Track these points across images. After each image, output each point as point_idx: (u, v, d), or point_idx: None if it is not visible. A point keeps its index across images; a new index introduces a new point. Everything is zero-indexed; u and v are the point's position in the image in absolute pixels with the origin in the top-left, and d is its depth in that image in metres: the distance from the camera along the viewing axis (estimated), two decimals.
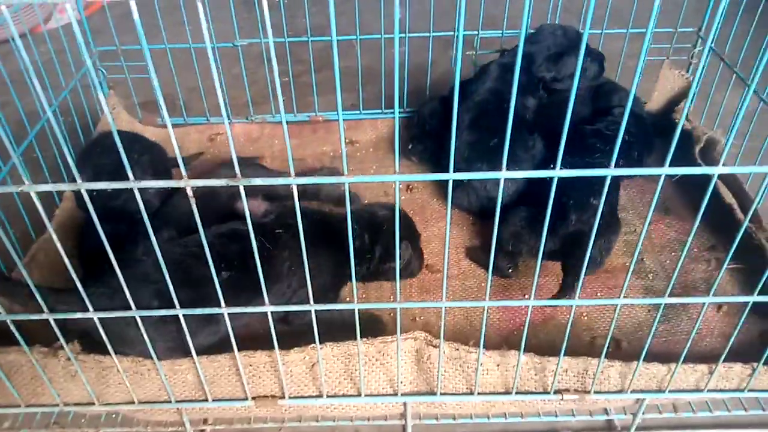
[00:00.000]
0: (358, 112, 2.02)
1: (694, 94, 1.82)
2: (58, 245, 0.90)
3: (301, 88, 2.20)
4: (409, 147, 1.85)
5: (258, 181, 0.86)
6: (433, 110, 1.86)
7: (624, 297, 1.02)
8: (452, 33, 1.88)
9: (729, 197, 1.55)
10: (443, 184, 1.76)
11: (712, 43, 0.80)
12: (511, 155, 0.84)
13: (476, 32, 1.89)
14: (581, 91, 1.80)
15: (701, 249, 1.56)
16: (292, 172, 0.85)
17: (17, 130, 1.53)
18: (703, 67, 0.79)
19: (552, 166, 0.85)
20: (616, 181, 1.54)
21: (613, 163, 0.84)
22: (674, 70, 1.87)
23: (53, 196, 1.63)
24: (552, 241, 1.38)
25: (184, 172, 0.85)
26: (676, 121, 1.77)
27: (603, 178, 1.01)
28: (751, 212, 1.00)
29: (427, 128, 1.85)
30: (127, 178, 0.85)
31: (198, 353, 1.08)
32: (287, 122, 2.01)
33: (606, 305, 1.42)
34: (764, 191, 1.09)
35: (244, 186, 0.84)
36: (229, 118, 2.01)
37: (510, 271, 1.47)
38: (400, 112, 2.00)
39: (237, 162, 0.84)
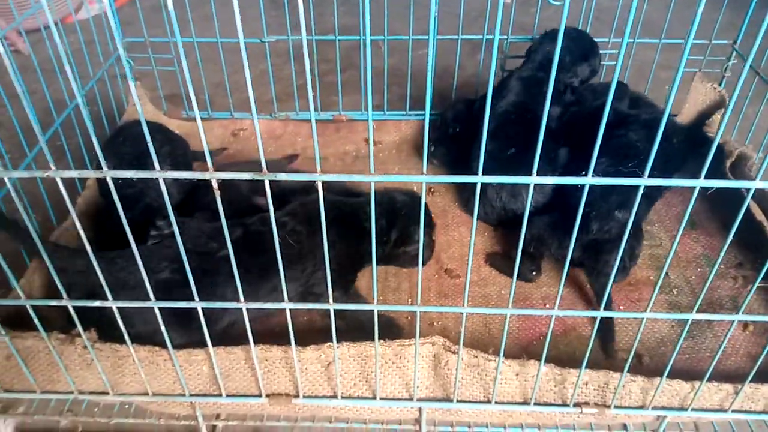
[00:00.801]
0: (382, 112, 2.01)
1: (729, 108, 1.78)
2: (81, 231, 0.89)
3: (325, 87, 2.20)
4: (431, 150, 1.84)
5: (282, 176, 0.85)
6: (457, 114, 1.85)
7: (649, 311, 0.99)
8: (481, 36, 1.86)
9: (760, 214, 1.51)
10: (463, 189, 1.74)
11: (750, 61, 0.77)
12: (531, 166, 0.83)
13: (506, 37, 1.87)
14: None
15: (728, 266, 1.52)
16: (319, 169, 0.84)
17: (43, 117, 1.54)
18: (741, 83, 0.77)
19: (584, 173, 0.83)
20: (650, 195, 1.51)
21: (647, 173, 0.82)
22: (706, 83, 1.83)
23: (76, 185, 1.63)
24: (574, 249, 1.37)
25: (210, 164, 0.84)
26: (708, 134, 1.74)
27: (628, 189, 0.99)
28: None
29: (450, 132, 1.84)
30: (148, 168, 0.85)
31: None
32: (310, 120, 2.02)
33: (627, 318, 1.39)
34: None
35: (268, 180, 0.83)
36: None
37: (533, 274, 1.45)
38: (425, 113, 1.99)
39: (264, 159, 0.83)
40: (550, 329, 1.02)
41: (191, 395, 1.17)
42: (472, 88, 1.99)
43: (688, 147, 1.74)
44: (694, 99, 1.85)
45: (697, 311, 1.40)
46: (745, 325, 1.37)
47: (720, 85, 1.81)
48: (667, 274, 1.51)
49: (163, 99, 1.98)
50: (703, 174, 0.83)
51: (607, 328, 1.35)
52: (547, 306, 1.44)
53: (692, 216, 1.66)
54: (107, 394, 1.17)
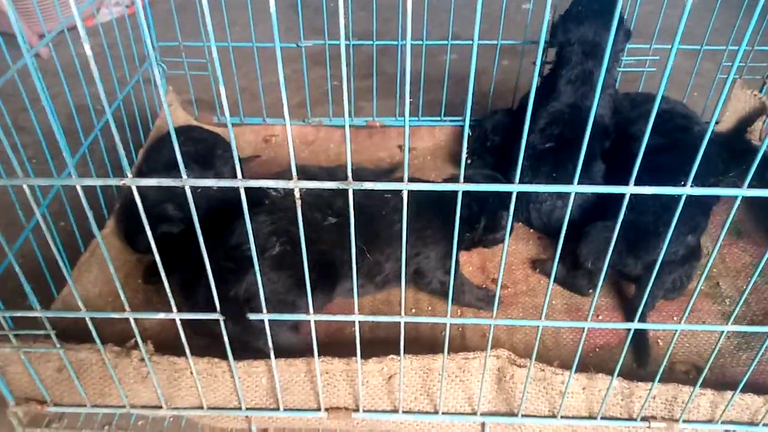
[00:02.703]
0: (417, 118, 1.98)
1: None
2: (103, 246, 0.86)
3: (356, 93, 2.17)
4: (468, 162, 1.81)
5: (311, 185, 0.82)
6: (496, 125, 1.82)
7: (701, 323, 0.98)
8: (521, 42, 1.83)
9: None
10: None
11: None
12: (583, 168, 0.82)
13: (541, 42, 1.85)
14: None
15: None
16: (350, 177, 0.81)
17: (66, 123, 1.48)
18: None
19: (626, 182, 0.82)
20: (708, 210, 1.49)
21: (689, 183, 0.80)
22: (746, 89, 1.82)
23: (113, 192, 1.60)
24: (635, 266, 1.35)
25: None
26: (751, 141, 1.73)
27: (698, 217, 0.94)
28: None
29: (488, 144, 1.81)
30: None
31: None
32: (343, 126, 2.00)
33: (683, 331, 1.37)
34: None
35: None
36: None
37: (590, 291, 1.43)
38: (460, 120, 1.97)
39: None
40: (628, 342, 1.00)
41: (247, 408, 1.14)
42: (507, 94, 1.97)
43: (731, 155, 1.72)
44: (735, 106, 1.83)
45: (753, 322, 1.39)
46: None
47: (761, 91, 1.80)
48: (717, 283, 1.48)
49: (194, 103, 1.95)
50: (746, 184, 0.82)
51: (642, 340, 1.33)
52: (600, 318, 1.41)
53: (738, 225, 1.64)
54: (160, 408, 1.14)
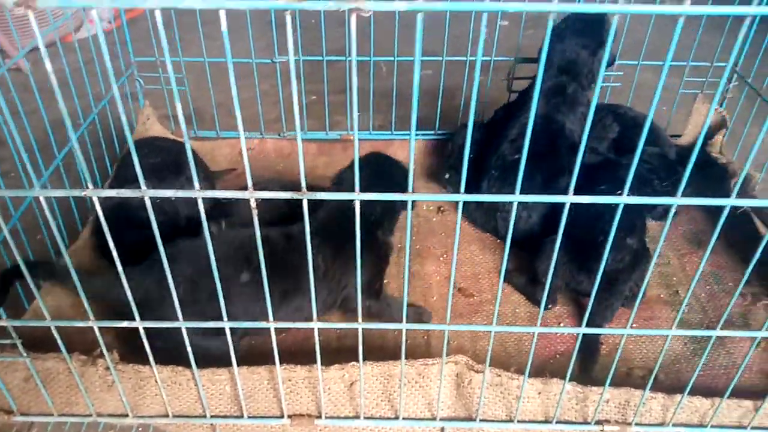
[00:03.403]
0: (390, 132, 2.02)
1: (727, 129, 1.83)
2: (67, 257, 0.89)
3: (330, 107, 2.21)
4: (446, 177, 1.84)
5: (266, 195, 0.85)
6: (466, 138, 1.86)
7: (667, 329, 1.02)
8: (489, 59, 1.89)
9: (764, 230, 1.54)
10: (471, 207, 1.75)
11: (751, 80, 0.81)
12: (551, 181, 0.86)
13: (513, 58, 1.91)
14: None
15: (737, 283, 1.54)
16: (304, 188, 0.85)
17: (43, 138, 1.51)
18: (759, 104, 0.80)
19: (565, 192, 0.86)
20: (644, 217, 1.53)
21: (626, 192, 0.84)
22: (707, 104, 1.88)
23: (86, 203, 1.63)
24: (587, 279, 1.39)
25: (197, 184, 0.84)
26: (711, 154, 1.79)
27: (638, 219, 0.97)
28: None
29: (470, 157, 1.84)
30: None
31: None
32: (319, 140, 2.04)
33: (641, 337, 1.41)
34: None
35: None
36: (261, 134, 2.02)
37: (549, 307, 1.47)
38: (432, 134, 2.01)
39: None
40: (582, 346, 1.03)
41: (212, 416, 1.16)
42: (476, 108, 2.02)
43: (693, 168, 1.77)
44: (696, 121, 1.89)
45: (708, 328, 1.43)
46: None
47: (722, 106, 1.86)
48: (677, 291, 1.53)
49: (171, 118, 1.99)
50: (679, 192, 0.86)
51: (592, 347, 1.36)
52: (562, 325, 1.45)
53: (699, 235, 1.69)
54: (126, 416, 1.15)
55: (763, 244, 0.96)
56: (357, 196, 0.86)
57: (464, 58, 1.91)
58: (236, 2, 0.68)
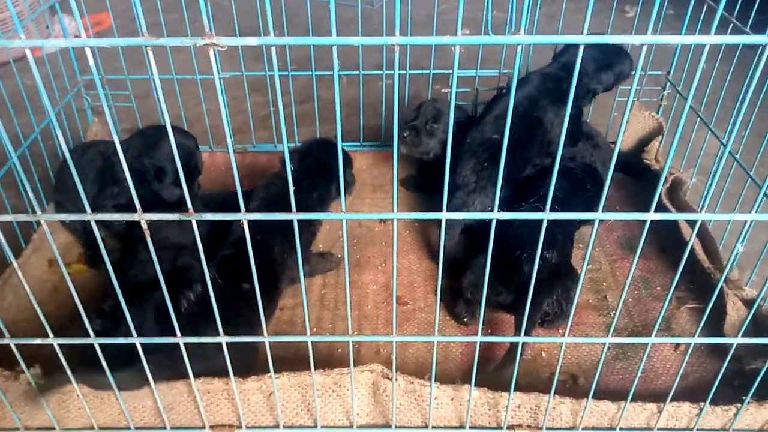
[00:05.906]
0: (358, 143, 2.07)
1: (662, 140, 1.88)
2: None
3: (297, 118, 2.26)
4: (405, 134, 1.79)
5: (154, 216, 0.90)
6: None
7: (585, 335, 1.05)
8: (449, 71, 1.93)
9: (688, 237, 1.58)
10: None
11: (691, 98, 0.85)
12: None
13: (474, 71, 1.95)
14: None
15: (664, 288, 1.59)
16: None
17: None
18: (684, 113, 0.84)
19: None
20: (571, 232, 1.56)
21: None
22: (644, 111, 1.92)
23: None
24: (507, 293, 1.41)
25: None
26: (646, 161, 1.83)
27: (555, 231, 1.01)
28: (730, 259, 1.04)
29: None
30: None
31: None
32: (271, 152, 2.08)
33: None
34: (744, 237, 1.08)
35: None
36: (210, 148, 2.06)
37: (465, 320, 1.48)
38: (379, 144, 2.06)
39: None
40: (520, 356, 1.07)
41: (136, 428, 1.20)
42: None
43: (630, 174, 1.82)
44: (633, 127, 1.93)
45: (633, 333, 1.47)
46: (676, 345, 1.43)
47: (658, 113, 1.90)
48: (605, 297, 1.57)
49: (123, 134, 2.02)
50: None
51: (510, 353, 1.37)
52: (490, 332, 1.49)
53: (632, 241, 1.73)
54: (53, 429, 1.19)
55: (687, 250, 0.99)
56: (245, 216, 0.89)
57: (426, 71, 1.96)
58: (102, 41, 0.72)
